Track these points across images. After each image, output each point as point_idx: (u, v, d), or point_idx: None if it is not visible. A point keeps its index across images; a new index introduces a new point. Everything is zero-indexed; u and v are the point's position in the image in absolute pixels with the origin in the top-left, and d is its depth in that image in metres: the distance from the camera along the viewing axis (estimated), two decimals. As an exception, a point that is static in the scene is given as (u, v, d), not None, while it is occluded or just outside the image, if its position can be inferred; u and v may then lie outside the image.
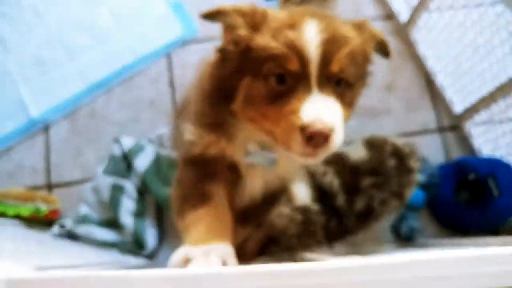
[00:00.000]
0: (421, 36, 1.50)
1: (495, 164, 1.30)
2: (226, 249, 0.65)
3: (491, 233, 1.30)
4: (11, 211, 1.33)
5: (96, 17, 1.65)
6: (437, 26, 1.39)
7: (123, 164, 1.40)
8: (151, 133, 1.48)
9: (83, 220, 1.35)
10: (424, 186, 1.36)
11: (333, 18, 0.67)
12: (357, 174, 1.09)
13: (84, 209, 1.37)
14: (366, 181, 1.08)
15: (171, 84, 1.55)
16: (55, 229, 1.33)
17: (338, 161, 1.09)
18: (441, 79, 1.47)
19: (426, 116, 1.49)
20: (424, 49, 1.51)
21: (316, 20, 0.62)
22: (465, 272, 0.48)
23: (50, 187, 1.45)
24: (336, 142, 0.58)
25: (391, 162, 1.10)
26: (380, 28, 1.58)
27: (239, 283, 0.48)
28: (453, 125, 1.46)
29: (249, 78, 0.64)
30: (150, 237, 1.33)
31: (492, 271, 0.48)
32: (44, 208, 1.34)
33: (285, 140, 0.60)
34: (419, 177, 1.36)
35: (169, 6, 1.64)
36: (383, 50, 0.74)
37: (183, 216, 0.75)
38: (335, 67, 0.61)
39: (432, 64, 1.49)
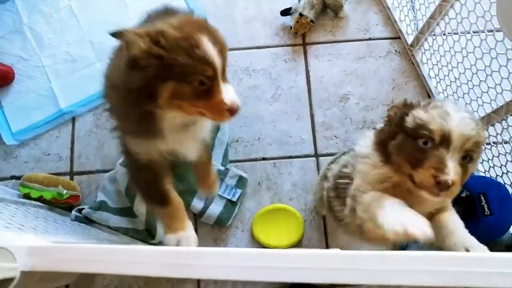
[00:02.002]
0: (425, 58, 1.58)
1: (487, 183, 1.32)
2: (192, 234, 1.06)
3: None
4: (35, 194, 1.44)
5: (124, 20, 1.75)
6: (441, 49, 1.46)
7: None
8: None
9: (99, 207, 1.45)
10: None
11: (212, 28, 0.90)
12: None
13: (101, 196, 1.48)
14: None
15: (190, 87, 1.67)
16: (74, 212, 1.44)
17: None
18: (443, 99, 1.54)
19: (427, 134, 1.57)
20: (428, 70, 1.58)
21: (205, 34, 0.86)
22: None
23: (72, 174, 1.57)
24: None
25: None
26: (386, 47, 1.68)
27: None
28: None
29: (173, 82, 0.85)
30: (160, 227, 1.43)
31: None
32: (65, 193, 1.45)
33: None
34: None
35: (188, 6, 1.75)
36: None
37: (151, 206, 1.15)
38: (468, 146, 0.80)
39: (435, 84, 1.56)
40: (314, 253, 0.59)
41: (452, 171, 0.78)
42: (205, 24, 0.91)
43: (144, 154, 1.02)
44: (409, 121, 0.85)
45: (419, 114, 0.83)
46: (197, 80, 0.85)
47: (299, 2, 1.71)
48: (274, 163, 1.55)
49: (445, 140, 0.80)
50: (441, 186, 0.78)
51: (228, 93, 0.90)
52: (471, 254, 0.78)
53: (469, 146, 0.80)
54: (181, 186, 1.47)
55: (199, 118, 0.96)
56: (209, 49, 0.85)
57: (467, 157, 0.82)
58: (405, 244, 1.41)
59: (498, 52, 1.19)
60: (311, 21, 1.66)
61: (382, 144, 0.91)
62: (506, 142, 1.29)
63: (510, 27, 1.04)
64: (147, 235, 1.44)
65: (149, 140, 0.99)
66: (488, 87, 1.28)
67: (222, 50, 0.88)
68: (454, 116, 0.80)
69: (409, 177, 0.85)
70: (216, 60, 0.85)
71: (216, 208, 1.46)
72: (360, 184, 0.95)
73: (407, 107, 0.88)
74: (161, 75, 0.84)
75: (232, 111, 0.90)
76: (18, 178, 1.50)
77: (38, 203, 1.42)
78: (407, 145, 0.85)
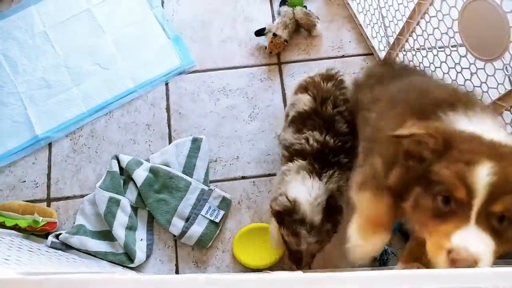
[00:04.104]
0: (398, 73, 1.62)
1: None
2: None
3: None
4: (10, 222, 1.41)
5: (100, 46, 1.78)
6: (411, 64, 1.48)
7: (120, 179, 1.51)
8: (147, 154, 1.59)
9: (77, 231, 1.43)
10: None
11: (510, 161, 0.68)
12: None
13: (80, 220, 1.47)
14: None
15: (168, 109, 1.67)
16: (50, 238, 1.41)
17: None
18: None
19: (403, 147, 1.60)
20: (401, 85, 1.62)
21: (493, 161, 0.66)
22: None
23: (49, 201, 1.54)
24: None
25: None
26: (360, 64, 1.72)
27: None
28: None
29: (419, 189, 0.72)
30: (139, 250, 1.42)
31: None
32: (41, 220, 1.42)
33: (432, 254, 0.67)
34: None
35: (169, 38, 1.78)
36: None
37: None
38: (498, 207, 0.65)
39: (408, 99, 1.60)
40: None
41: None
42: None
43: None
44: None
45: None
46: (442, 194, 0.68)
47: (273, 22, 1.74)
48: (253, 182, 1.56)
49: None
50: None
51: (467, 235, 0.64)
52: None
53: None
54: (164, 207, 1.47)
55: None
56: (478, 172, 0.65)
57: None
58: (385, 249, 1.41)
59: (463, 67, 1.22)
60: (285, 40, 1.69)
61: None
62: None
63: (471, 42, 1.09)
64: (126, 259, 1.42)
65: None
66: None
67: (503, 187, 0.65)
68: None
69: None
70: (480, 188, 0.65)
71: (198, 229, 1.45)
72: None
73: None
74: (416, 179, 0.72)
75: (454, 260, 0.63)
76: (-8, 206, 1.47)
77: (13, 231, 1.39)
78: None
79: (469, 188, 0.65)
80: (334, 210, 1.13)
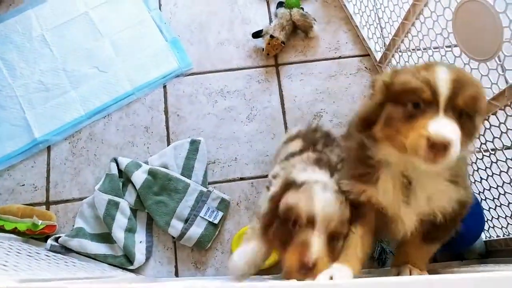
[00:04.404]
0: (394, 74, 1.63)
1: None
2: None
3: (456, 258, 1.37)
4: (9, 226, 1.42)
5: (98, 49, 1.78)
6: (407, 65, 1.50)
7: (119, 182, 1.51)
8: (146, 156, 1.59)
9: (77, 234, 1.44)
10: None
11: (461, 69, 0.85)
12: None
13: (79, 223, 1.47)
14: None
15: (166, 111, 1.68)
16: (50, 241, 1.42)
17: None
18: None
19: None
20: (398, 85, 1.63)
21: (446, 67, 0.80)
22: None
23: (48, 204, 1.55)
24: (453, 154, 0.74)
25: None
26: (357, 65, 1.73)
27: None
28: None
29: (390, 105, 0.83)
30: (139, 252, 1.43)
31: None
32: (40, 223, 1.42)
33: (412, 147, 0.77)
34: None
35: (167, 40, 1.79)
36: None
37: None
38: (460, 101, 0.77)
39: (405, 99, 1.61)
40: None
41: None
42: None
43: (355, 195, 0.94)
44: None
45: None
46: (412, 100, 0.79)
47: (270, 24, 1.75)
48: (252, 183, 1.57)
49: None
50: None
51: (440, 124, 0.75)
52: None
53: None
54: (163, 209, 1.48)
55: (422, 174, 0.86)
56: (438, 73, 0.78)
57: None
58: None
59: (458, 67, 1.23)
60: (282, 42, 1.70)
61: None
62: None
63: (465, 43, 1.09)
64: (126, 261, 1.42)
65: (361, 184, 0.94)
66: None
67: (460, 84, 0.77)
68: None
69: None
70: (442, 86, 0.76)
71: (197, 230, 1.46)
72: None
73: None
74: (383, 101, 0.85)
75: (433, 144, 0.73)
76: (-8, 210, 1.48)
77: (12, 235, 1.40)
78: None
79: (433, 88, 0.77)
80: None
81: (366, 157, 0.92)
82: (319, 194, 0.90)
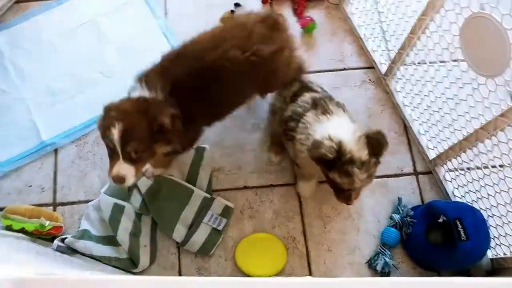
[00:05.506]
0: (399, 86, 1.64)
1: (462, 208, 1.35)
2: None
3: (461, 273, 1.38)
4: (17, 226, 1.43)
5: (104, 54, 1.81)
6: (412, 78, 1.52)
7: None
8: (151, 162, 1.61)
9: (82, 235, 1.45)
10: (398, 225, 1.45)
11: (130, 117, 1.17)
12: None
13: (84, 225, 1.49)
14: None
15: (173, 117, 1.69)
16: (56, 242, 1.43)
17: None
18: (417, 127, 1.59)
19: (403, 160, 1.61)
20: (402, 98, 1.64)
21: (121, 121, 1.13)
22: None
23: (55, 205, 1.57)
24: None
25: None
26: (361, 77, 1.74)
27: None
28: (428, 170, 1.58)
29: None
30: (143, 255, 1.43)
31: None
32: (47, 224, 1.44)
33: (109, 177, 1.19)
34: (395, 217, 1.47)
35: (170, 45, 1.80)
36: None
37: None
38: (129, 148, 1.14)
39: (409, 112, 1.62)
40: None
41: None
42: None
43: None
44: None
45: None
46: (109, 145, 1.17)
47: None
48: (255, 192, 1.58)
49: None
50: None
51: (118, 167, 1.16)
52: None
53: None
54: (168, 214, 1.49)
55: None
56: (114, 131, 1.13)
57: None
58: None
59: (464, 82, 1.25)
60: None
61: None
62: (478, 168, 1.32)
63: (472, 58, 1.11)
64: (130, 264, 1.43)
65: None
66: (458, 115, 1.34)
67: (127, 131, 1.13)
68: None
69: None
70: (116, 138, 1.13)
71: (201, 236, 1.47)
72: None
73: None
74: None
75: (115, 179, 1.17)
76: (0, 210, 1.49)
77: (20, 234, 1.41)
78: None
79: (112, 140, 1.13)
80: (375, 142, 1.15)
81: None
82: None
